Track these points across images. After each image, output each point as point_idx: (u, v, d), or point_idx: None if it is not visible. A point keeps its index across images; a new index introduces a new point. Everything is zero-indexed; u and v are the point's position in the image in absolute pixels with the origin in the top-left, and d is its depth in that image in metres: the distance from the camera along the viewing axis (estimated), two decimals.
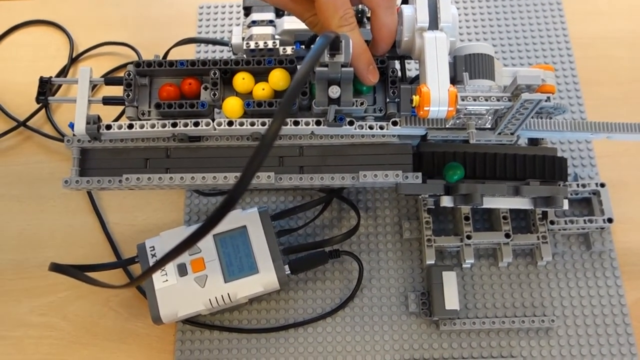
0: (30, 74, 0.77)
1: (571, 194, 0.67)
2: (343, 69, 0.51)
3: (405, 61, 0.62)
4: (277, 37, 0.65)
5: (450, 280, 0.63)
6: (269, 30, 0.66)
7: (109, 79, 0.58)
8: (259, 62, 0.57)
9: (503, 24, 0.78)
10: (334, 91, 0.51)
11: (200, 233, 0.42)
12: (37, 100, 0.57)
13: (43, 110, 0.75)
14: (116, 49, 0.79)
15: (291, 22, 0.65)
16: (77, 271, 0.57)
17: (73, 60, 0.78)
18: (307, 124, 0.57)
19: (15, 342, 0.65)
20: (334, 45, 0.50)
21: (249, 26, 0.67)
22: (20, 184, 0.72)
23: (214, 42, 0.77)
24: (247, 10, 0.67)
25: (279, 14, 0.67)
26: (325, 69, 0.50)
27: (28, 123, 0.74)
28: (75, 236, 0.69)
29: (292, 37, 0.64)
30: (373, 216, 0.69)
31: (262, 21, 0.66)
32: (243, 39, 0.67)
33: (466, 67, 0.58)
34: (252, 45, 0.63)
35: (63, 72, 0.77)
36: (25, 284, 0.68)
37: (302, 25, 0.64)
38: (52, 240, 0.69)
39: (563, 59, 0.75)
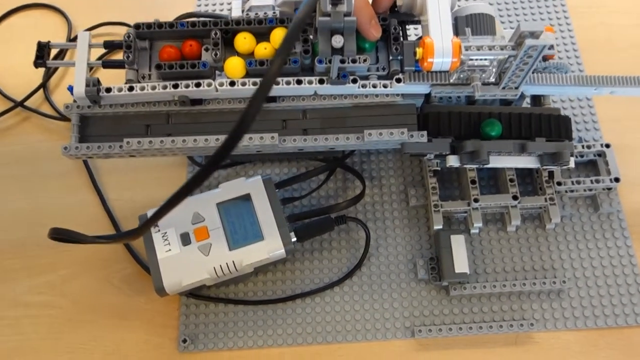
0: (28, 56, 0.76)
1: (576, 156, 0.66)
2: (346, 17, 0.50)
3: (406, 26, 0.62)
4: (276, 8, 0.65)
5: (459, 244, 0.61)
6: (268, 1, 0.66)
7: (108, 42, 0.58)
8: (260, 22, 0.57)
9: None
10: (337, 40, 0.51)
11: (208, 169, 0.42)
12: (36, 65, 0.57)
13: (41, 91, 0.74)
14: (114, 29, 0.78)
15: None
16: (78, 233, 0.56)
17: (71, 41, 0.77)
18: (310, 82, 0.57)
19: (12, 322, 0.64)
20: None
21: None
22: (18, 164, 0.71)
23: (213, 17, 0.77)
24: None
25: None
26: (328, 18, 0.50)
27: (26, 104, 0.73)
28: (76, 213, 0.68)
29: (292, 8, 0.64)
30: (378, 185, 0.68)
31: None
32: (242, 11, 0.67)
33: (468, 26, 0.58)
34: (252, 16, 0.63)
35: (61, 54, 0.76)
36: (24, 263, 0.66)
37: None
38: (52, 218, 0.68)
39: (562, 27, 0.75)
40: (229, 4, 0.79)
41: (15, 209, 0.69)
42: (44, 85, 0.74)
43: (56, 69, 0.76)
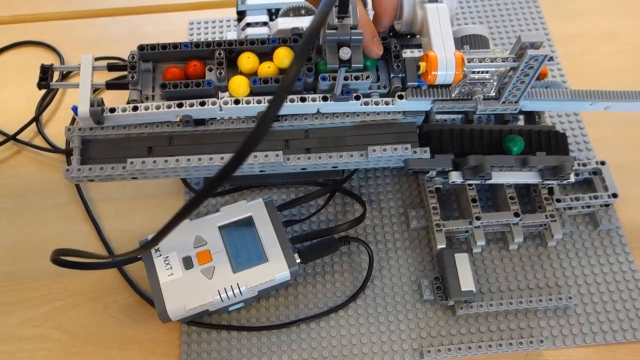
0: (20, 91, 0.77)
1: None
2: (353, 30, 0.51)
3: (402, 51, 0.63)
4: (272, 37, 0.66)
5: (463, 262, 0.61)
6: (264, 30, 0.67)
7: (112, 64, 0.58)
8: (263, 42, 0.58)
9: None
10: (345, 52, 0.51)
11: (223, 176, 0.40)
12: (39, 86, 0.56)
13: (33, 125, 0.73)
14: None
15: (285, 23, 0.66)
16: (83, 251, 0.54)
17: (64, 76, 0.77)
18: (313, 100, 0.57)
19: (7, 357, 0.61)
20: (343, 8, 0.50)
21: (243, 29, 0.68)
22: (10, 197, 0.69)
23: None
24: (241, 15, 0.69)
25: (272, 18, 0.68)
26: (335, 31, 0.51)
27: (18, 137, 0.72)
28: (70, 245, 0.64)
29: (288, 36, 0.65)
30: (378, 208, 0.68)
31: (257, 23, 0.68)
32: None
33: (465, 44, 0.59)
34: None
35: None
36: (17, 296, 0.64)
37: (295, 24, 0.65)
38: (45, 250, 0.65)
39: None
40: (221, 34, 0.81)
41: (7, 242, 0.67)
42: (36, 119, 0.74)
43: (49, 102, 0.75)
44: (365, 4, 0.63)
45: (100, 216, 0.68)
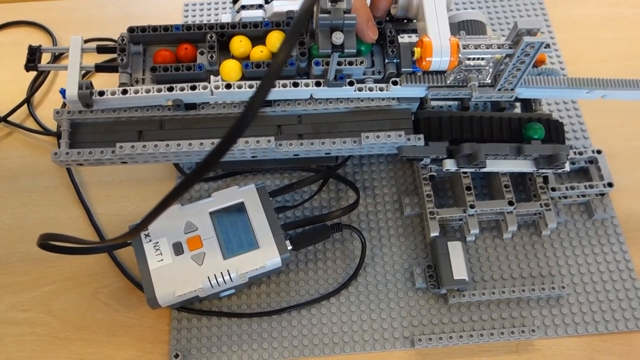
0: (11, 72, 0.76)
1: None
2: (346, 14, 0.50)
3: (399, 35, 0.62)
4: (267, 20, 0.65)
5: (456, 250, 0.61)
6: (259, 13, 0.66)
7: (101, 47, 0.57)
8: (256, 25, 0.57)
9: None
10: (338, 37, 0.50)
11: (214, 158, 0.40)
12: (27, 68, 0.56)
13: (25, 107, 0.73)
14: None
15: (281, 5, 0.65)
16: (71, 236, 0.54)
17: (56, 58, 0.76)
18: (306, 85, 0.56)
19: None
20: None
21: (238, 11, 0.67)
22: (0, 179, 0.69)
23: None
24: None
25: (268, 0, 0.67)
26: (328, 15, 0.50)
27: (9, 119, 0.71)
28: (61, 229, 0.65)
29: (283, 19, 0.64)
30: (372, 195, 0.67)
31: (252, 5, 0.66)
32: None
33: (461, 30, 0.58)
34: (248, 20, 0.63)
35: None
36: (6, 280, 0.63)
37: (291, 7, 0.64)
38: (35, 234, 0.63)
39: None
40: (217, 17, 0.79)
41: None
42: (27, 101, 0.73)
43: (41, 84, 0.74)
44: None
45: (91, 200, 0.67)
